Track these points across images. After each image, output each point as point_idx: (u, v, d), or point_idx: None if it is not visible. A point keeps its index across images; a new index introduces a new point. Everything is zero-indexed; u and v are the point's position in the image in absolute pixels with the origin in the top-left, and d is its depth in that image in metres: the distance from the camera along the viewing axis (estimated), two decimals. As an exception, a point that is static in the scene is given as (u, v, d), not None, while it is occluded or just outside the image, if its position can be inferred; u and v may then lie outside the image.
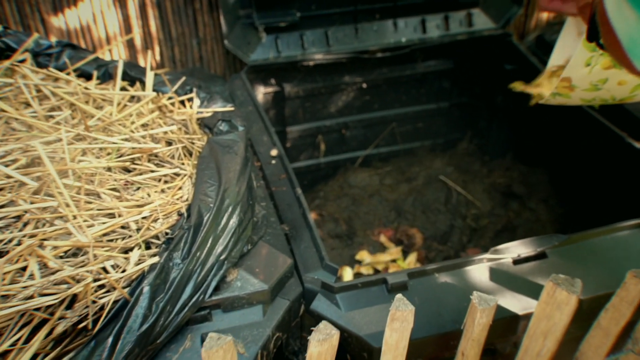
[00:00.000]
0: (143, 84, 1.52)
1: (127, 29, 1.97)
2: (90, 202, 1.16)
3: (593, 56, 1.16)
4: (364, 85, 2.21)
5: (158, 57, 2.04)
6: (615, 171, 1.79)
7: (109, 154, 1.29)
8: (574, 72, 1.21)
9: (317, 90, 2.17)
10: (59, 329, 1.03)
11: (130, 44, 1.99)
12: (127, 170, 1.29)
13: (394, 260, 1.96)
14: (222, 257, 1.18)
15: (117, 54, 1.99)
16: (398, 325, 0.93)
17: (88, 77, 1.54)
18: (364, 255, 1.98)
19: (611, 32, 0.74)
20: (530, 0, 2.45)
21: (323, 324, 0.89)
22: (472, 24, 2.17)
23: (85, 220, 1.12)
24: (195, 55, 2.10)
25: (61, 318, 1.04)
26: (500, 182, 2.17)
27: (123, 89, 1.50)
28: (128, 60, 1.66)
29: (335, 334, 0.88)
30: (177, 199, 1.24)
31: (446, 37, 2.15)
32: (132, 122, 1.38)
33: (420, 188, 2.18)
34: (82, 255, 1.09)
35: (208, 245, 1.16)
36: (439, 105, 2.38)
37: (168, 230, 1.19)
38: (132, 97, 1.49)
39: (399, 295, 0.94)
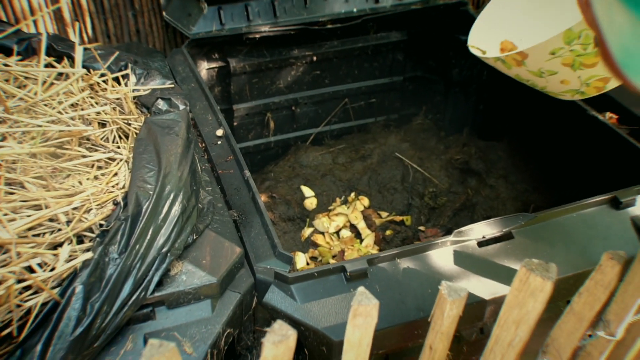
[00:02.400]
0: (72, 59, 1.38)
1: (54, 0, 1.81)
2: (11, 193, 1.03)
3: (563, 48, 1.15)
4: (314, 59, 2.10)
5: (90, 31, 1.88)
6: (578, 144, 1.74)
7: (33, 138, 1.15)
8: (534, 54, 1.18)
9: (265, 65, 2.05)
10: (-24, 339, 0.90)
11: (58, 17, 1.83)
12: (55, 156, 1.15)
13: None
14: (164, 249, 1.06)
15: (43, 27, 1.82)
16: (361, 322, 0.84)
17: (8, 53, 1.38)
18: (323, 220, 1.90)
19: (602, 42, 0.65)
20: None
21: (278, 324, 0.79)
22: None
23: (5, 215, 0.98)
24: (131, 29, 1.95)
25: (-21, 326, 0.92)
26: (458, 158, 2.10)
27: (49, 65, 1.36)
28: (55, 34, 1.51)
29: (292, 335, 0.79)
30: (112, 187, 1.12)
31: (399, 7, 2.05)
32: (60, 103, 1.24)
33: (375, 166, 2.09)
34: (3, 254, 0.96)
35: (148, 236, 1.05)
36: (392, 80, 2.28)
37: (103, 222, 1.07)
38: (60, 74, 1.35)
39: (361, 289, 0.85)
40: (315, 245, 1.87)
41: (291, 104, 2.18)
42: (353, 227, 1.95)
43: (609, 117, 1.59)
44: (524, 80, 1.33)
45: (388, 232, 1.89)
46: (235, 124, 2.11)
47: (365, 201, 2.01)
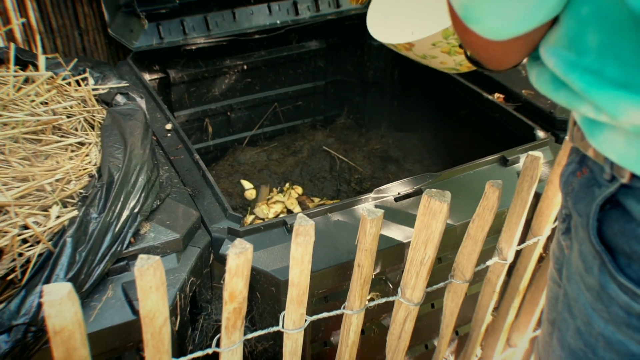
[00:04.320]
0: (35, 67, 1.58)
1: (5, 21, 2.00)
2: (4, 169, 1.23)
3: (442, 41, 1.40)
4: (245, 68, 2.35)
5: (40, 49, 2.07)
6: (476, 123, 2.04)
7: (13, 128, 1.35)
8: (419, 44, 1.45)
9: (201, 74, 2.28)
10: (-11, 280, 1.09)
11: (10, 38, 2.01)
12: (34, 142, 1.35)
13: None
14: (135, 210, 1.27)
15: (-2, 47, 2.00)
16: (302, 240, 1.08)
17: (-22, 64, 1.58)
18: (263, 208, 2.13)
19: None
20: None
21: (238, 241, 1.03)
22: (340, 4, 2.36)
23: (4, 184, 1.18)
24: (77, 46, 2.15)
25: (-12, 272, 1.11)
26: (378, 148, 2.38)
27: (16, 72, 1.56)
28: (18, 47, 1.70)
29: (250, 247, 1.02)
30: (87, 164, 1.33)
31: (317, 18, 2.33)
32: (32, 101, 1.45)
33: (306, 159, 2.35)
34: (3, 215, 1.15)
35: (121, 200, 1.25)
36: (315, 84, 2.56)
37: (82, 191, 1.27)
38: (26, 80, 1.55)
39: (300, 214, 1.09)
40: (257, 229, 2.10)
41: (226, 109, 2.41)
42: (290, 213, 2.19)
43: (497, 97, 1.90)
44: (416, 58, 1.58)
45: (321, 214, 2.14)
46: (176, 129, 2.33)
47: (299, 189, 2.26)
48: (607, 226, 0.76)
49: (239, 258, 1.02)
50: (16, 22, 1.92)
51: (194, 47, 2.18)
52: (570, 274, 0.86)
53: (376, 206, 1.52)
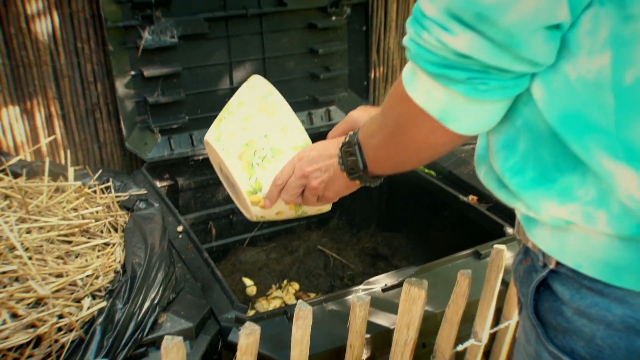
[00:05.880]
0: (65, 177, 1.81)
1: (34, 137, 2.25)
2: (43, 266, 1.42)
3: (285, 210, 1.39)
4: (246, 175, 2.59)
5: (62, 161, 2.31)
6: (454, 222, 2.26)
7: (48, 231, 1.56)
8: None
9: (206, 181, 2.51)
10: (33, 361, 1.26)
11: (36, 150, 2.26)
12: (66, 244, 1.56)
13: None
14: (155, 301, 1.46)
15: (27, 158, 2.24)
16: (302, 323, 1.26)
17: (14, 176, 1.80)
18: (263, 303, 2.30)
19: None
20: (377, 100, 2.98)
21: (248, 323, 1.21)
22: (331, 118, 2.64)
23: (43, 279, 1.38)
24: (96, 158, 2.40)
25: (30, 357, 1.28)
26: (368, 246, 2.59)
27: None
28: (50, 160, 1.93)
29: (257, 329, 1.20)
30: (112, 262, 1.53)
31: (311, 130, 2.59)
32: (64, 207, 1.66)
33: (302, 258, 2.55)
34: (42, 306, 1.34)
35: (143, 293, 1.44)
36: (310, 189, 2.79)
37: (108, 285, 1.46)
38: (57, 189, 1.77)
39: (300, 301, 1.28)
40: (258, 322, 2.27)
41: (229, 213, 2.63)
42: (288, 307, 2.36)
43: (472, 198, 2.13)
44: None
45: (317, 308, 2.32)
46: (183, 231, 2.54)
47: (296, 286, 2.44)
48: (541, 304, 0.93)
49: (249, 338, 1.20)
50: (44, 141, 2.17)
51: (200, 158, 2.42)
52: (518, 345, 1.04)
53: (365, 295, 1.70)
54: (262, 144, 1.28)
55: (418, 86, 0.85)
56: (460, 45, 0.75)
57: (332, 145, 1.24)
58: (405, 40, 0.83)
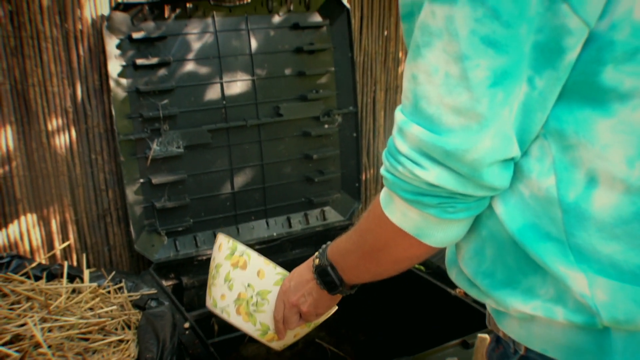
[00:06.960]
0: (81, 279, 1.96)
1: (49, 242, 2.41)
2: (64, 362, 1.56)
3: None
4: (247, 273, 2.74)
5: (75, 263, 2.46)
6: (443, 316, 2.39)
7: (68, 330, 1.70)
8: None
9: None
10: None
11: (51, 257, 2.41)
12: (84, 340, 1.69)
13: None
14: (167, 392, 1.59)
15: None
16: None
17: (35, 279, 1.95)
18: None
19: None
20: (368, 200, 3.18)
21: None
22: (326, 218, 2.82)
23: (64, 374, 1.51)
24: (106, 259, 2.55)
25: None
26: (363, 340, 2.72)
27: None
28: (68, 264, 2.09)
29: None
30: (127, 357, 1.66)
31: (307, 229, 2.77)
32: (81, 307, 1.81)
33: (301, 350, 2.66)
34: (65, 399, 1.46)
35: (156, 384, 1.57)
36: (307, 285, 2.93)
37: (124, 378, 1.59)
38: (74, 290, 1.92)
39: (301, 389, 1.41)
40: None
41: (230, 309, 2.75)
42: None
43: (459, 292, 2.28)
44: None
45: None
46: (187, 328, 2.66)
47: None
48: None
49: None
50: (60, 247, 2.33)
51: (204, 257, 2.58)
52: None
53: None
54: (249, 293, 1.47)
55: (395, 209, 1.01)
56: (430, 178, 0.91)
57: (305, 271, 1.36)
58: (383, 171, 1.00)
